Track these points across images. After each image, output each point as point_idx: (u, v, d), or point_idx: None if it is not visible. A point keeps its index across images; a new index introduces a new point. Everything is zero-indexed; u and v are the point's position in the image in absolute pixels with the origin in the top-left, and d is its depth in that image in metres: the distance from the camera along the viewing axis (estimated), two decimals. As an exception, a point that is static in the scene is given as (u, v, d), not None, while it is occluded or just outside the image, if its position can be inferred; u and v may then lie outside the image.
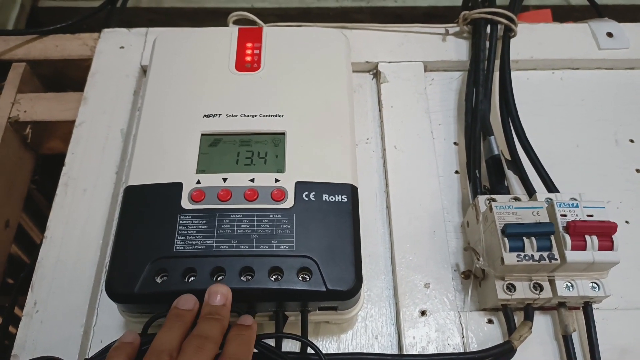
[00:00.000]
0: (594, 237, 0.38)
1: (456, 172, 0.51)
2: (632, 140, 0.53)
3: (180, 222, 0.38)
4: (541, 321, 0.42)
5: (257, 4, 0.76)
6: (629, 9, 0.75)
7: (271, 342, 0.38)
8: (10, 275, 0.75)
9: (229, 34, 0.49)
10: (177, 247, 0.37)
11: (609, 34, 0.58)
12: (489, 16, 0.55)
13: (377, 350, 0.42)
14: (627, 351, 0.41)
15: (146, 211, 0.39)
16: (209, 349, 0.32)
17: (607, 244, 0.38)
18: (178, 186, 0.40)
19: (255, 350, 0.37)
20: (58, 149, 0.62)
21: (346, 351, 0.42)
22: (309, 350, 0.37)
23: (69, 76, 0.62)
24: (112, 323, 0.42)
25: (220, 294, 0.35)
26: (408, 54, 0.57)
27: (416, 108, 0.53)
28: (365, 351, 0.42)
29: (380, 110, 0.54)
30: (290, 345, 0.41)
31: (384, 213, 0.48)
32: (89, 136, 0.51)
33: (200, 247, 0.37)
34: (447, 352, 0.40)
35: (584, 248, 0.38)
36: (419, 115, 0.53)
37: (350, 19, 0.76)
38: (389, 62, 0.56)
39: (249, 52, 0.47)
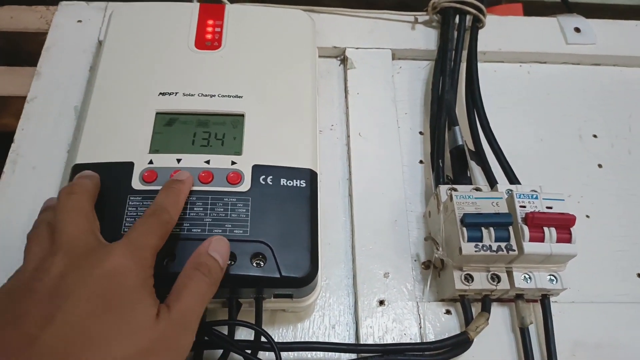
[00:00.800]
0: (552, 229, 0.38)
1: (420, 162, 0.50)
2: (595, 136, 0.53)
3: (130, 203, 0.37)
4: (499, 313, 0.42)
5: (225, -15, 0.74)
6: (599, 7, 0.76)
7: (224, 329, 0.36)
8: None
9: (190, 9, 0.47)
10: (125, 229, 0.35)
11: (577, 29, 0.58)
12: (458, 5, 0.54)
13: (334, 339, 0.41)
14: (580, 344, 0.41)
15: (94, 190, 0.37)
16: (80, 192, 0.34)
17: (565, 237, 0.38)
18: (129, 166, 0.38)
19: (206, 338, 0.36)
20: (12, 126, 0.59)
21: (302, 340, 0.41)
22: (263, 338, 0.36)
23: (25, 50, 0.59)
24: (56, 307, 0.40)
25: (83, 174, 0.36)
26: (376, 41, 0.55)
27: (383, 96, 0.52)
28: (321, 340, 0.41)
29: (346, 97, 0.52)
30: (244, 333, 0.40)
31: (346, 201, 0.47)
32: (41, 112, 0.48)
33: (150, 229, 0.36)
34: (403, 342, 0.40)
35: (542, 240, 0.38)
36: (385, 103, 0.52)
37: (321, 3, 0.75)
38: (357, 48, 0.55)
39: (209, 29, 0.45)
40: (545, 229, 0.38)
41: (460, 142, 0.47)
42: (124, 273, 0.29)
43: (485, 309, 0.40)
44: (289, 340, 0.41)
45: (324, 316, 0.42)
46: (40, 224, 0.33)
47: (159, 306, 0.30)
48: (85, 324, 0.27)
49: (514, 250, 0.37)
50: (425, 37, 0.56)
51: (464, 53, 0.54)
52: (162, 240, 0.32)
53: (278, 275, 0.35)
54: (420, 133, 0.52)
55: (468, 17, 0.55)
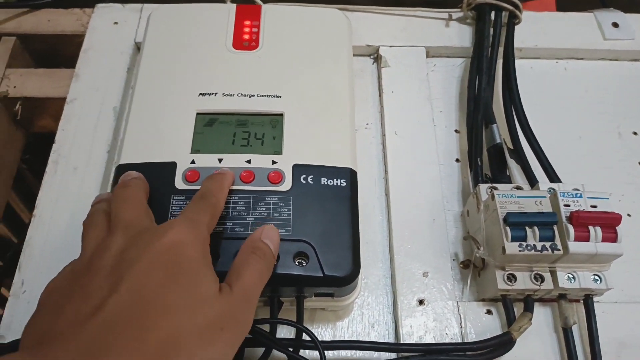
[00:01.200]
0: (598, 228, 0.37)
1: (457, 160, 0.50)
2: (635, 133, 0.52)
3: (174, 202, 0.37)
4: (541, 313, 0.41)
5: (256, -15, 0.74)
6: (634, 2, 0.74)
7: (265, 327, 0.37)
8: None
9: (227, 10, 0.47)
10: (170, 228, 0.36)
11: (615, 24, 0.57)
12: (494, 2, 0.54)
13: (373, 338, 0.41)
14: (626, 345, 0.41)
15: (138, 191, 0.38)
16: (135, 184, 0.35)
17: (610, 236, 0.37)
18: (172, 166, 0.39)
19: (249, 336, 0.36)
20: (50, 127, 0.60)
21: (342, 339, 0.41)
22: (305, 336, 0.36)
23: (62, 52, 0.60)
24: (100, 305, 0.41)
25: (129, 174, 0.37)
26: (410, 39, 0.55)
27: (417, 94, 0.52)
28: (361, 339, 0.41)
29: (380, 95, 0.52)
30: (284, 332, 0.40)
31: (383, 200, 0.47)
32: (81, 113, 0.49)
33: (193, 228, 0.36)
34: (445, 342, 0.39)
35: (587, 239, 0.37)
36: (420, 101, 0.51)
37: (351, 1, 0.75)
38: (391, 47, 0.54)
39: (247, 30, 0.46)
40: (591, 228, 0.37)
41: (499, 140, 0.46)
42: (185, 246, 0.29)
43: (528, 309, 0.40)
44: (328, 339, 0.41)
45: (362, 315, 0.42)
46: (95, 212, 0.34)
47: (220, 284, 0.30)
48: (149, 293, 0.27)
49: (559, 250, 0.37)
50: (459, 34, 0.56)
51: (500, 50, 0.53)
52: (214, 220, 0.34)
53: (321, 275, 0.35)
54: (456, 131, 0.51)
55: (504, 13, 0.55)
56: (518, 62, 0.53)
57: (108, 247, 0.29)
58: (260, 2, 0.54)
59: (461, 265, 0.44)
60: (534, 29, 0.56)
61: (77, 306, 0.27)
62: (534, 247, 0.37)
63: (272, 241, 0.34)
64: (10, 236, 0.80)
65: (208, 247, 0.31)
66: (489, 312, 0.41)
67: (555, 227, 0.37)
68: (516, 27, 0.55)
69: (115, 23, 0.55)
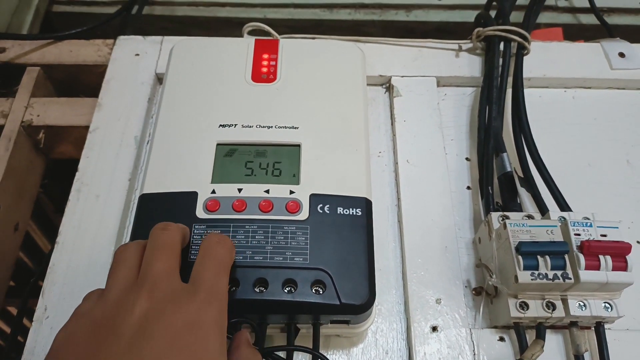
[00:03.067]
0: (608, 257, 0.38)
1: (468, 187, 0.51)
2: (643, 161, 0.53)
3: (195, 231, 0.38)
4: (552, 340, 0.42)
5: (270, 15, 0.76)
6: (639, 29, 0.76)
7: (282, 354, 0.38)
8: (14, 280, 0.74)
9: (246, 44, 0.49)
10: (192, 257, 0.37)
11: (621, 54, 0.58)
12: (503, 33, 0.55)
13: (387, 365, 0.42)
14: (638, 373, 0.41)
15: (160, 219, 0.39)
16: (174, 229, 0.34)
17: (621, 265, 0.38)
18: (193, 195, 0.40)
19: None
20: (69, 153, 0.62)
21: (356, 365, 0.41)
22: (321, 363, 0.37)
23: (82, 82, 0.63)
24: (122, 331, 0.42)
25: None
26: (421, 69, 0.57)
27: (429, 123, 0.53)
28: (375, 366, 0.41)
29: (392, 124, 0.54)
30: (300, 358, 0.41)
31: (396, 227, 0.48)
32: (103, 142, 0.51)
33: (214, 257, 0.37)
34: (458, 369, 0.40)
35: (597, 268, 0.38)
36: (431, 130, 0.53)
37: (361, 32, 0.77)
38: (402, 77, 0.56)
39: (265, 63, 0.47)
40: (601, 257, 0.38)
41: (509, 169, 0.47)
42: (206, 328, 0.30)
43: (540, 336, 0.40)
44: (343, 365, 0.41)
45: (376, 342, 0.43)
46: (130, 245, 0.34)
47: None
48: None
49: (570, 279, 0.38)
50: (469, 64, 0.58)
51: (509, 80, 0.55)
52: (228, 275, 0.34)
53: (338, 303, 0.36)
54: (467, 159, 0.53)
55: (513, 44, 0.56)
56: (527, 92, 0.54)
57: (132, 309, 0.30)
58: (277, 35, 0.56)
59: (473, 292, 0.45)
60: (542, 58, 0.58)
61: None
62: (546, 275, 0.38)
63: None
64: (24, 259, 0.82)
65: (226, 324, 0.32)
66: (501, 339, 0.42)
67: (566, 256, 0.38)
68: (525, 57, 0.56)
69: (137, 55, 0.57)
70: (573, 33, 0.73)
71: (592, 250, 0.38)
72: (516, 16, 0.61)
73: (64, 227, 0.46)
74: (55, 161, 0.65)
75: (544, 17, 0.75)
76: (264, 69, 0.47)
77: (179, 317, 0.30)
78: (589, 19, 0.75)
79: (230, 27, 0.76)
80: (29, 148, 0.58)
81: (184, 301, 0.30)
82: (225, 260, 0.34)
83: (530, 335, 0.41)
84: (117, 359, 0.28)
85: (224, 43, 0.49)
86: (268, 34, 0.57)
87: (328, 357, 0.41)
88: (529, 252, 0.38)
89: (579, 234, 0.39)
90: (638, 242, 0.48)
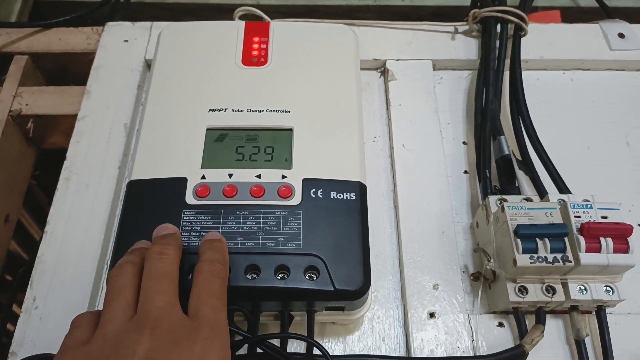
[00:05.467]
0: (609, 240, 0.37)
1: (465, 172, 0.50)
2: (643, 143, 0.52)
3: (185, 217, 0.37)
4: (553, 325, 0.41)
5: (263, 1, 0.75)
6: (638, 11, 0.75)
7: (276, 342, 0.37)
8: (9, 272, 0.74)
9: (236, 27, 0.48)
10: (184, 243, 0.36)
11: (621, 35, 0.57)
12: (500, 14, 0.54)
13: (384, 352, 0.41)
14: (639, 357, 0.40)
15: (149, 206, 0.38)
16: (171, 254, 0.33)
17: (622, 247, 0.37)
18: (182, 181, 0.39)
19: (259, 351, 0.36)
20: (60, 144, 0.61)
21: (352, 353, 0.41)
22: (315, 351, 0.36)
23: (72, 70, 0.61)
24: (112, 321, 0.41)
25: (166, 229, 0.35)
26: (417, 52, 0.56)
27: (425, 107, 0.52)
28: (372, 353, 0.41)
29: (388, 108, 0.53)
30: (295, 346, 0.40)
31: (392, 213, 0.47)
32: (92, 130, 0.50)
33: (204, 243, 0.36)
34: (457, 355, 0.39)
35: (598, 250, 0.37)
36: (427, 114, 0.52)
37: (356, 17, 0.75)
38: (397, 60, 0.55)
39: (255, 46, 0.46)
40: (602, 239, 0.37)
41: (507, 152, 0.46)
42: None
43: (540, 321, 0.39)
44: (338, 353, 0.41)
45: (373, 329, 0.42)
46: (125, 267, 0.32)
47: None
48: None
49: (570, 262, 0.37)
50: (465, 47, 0.56)
51: (507, 62, 0.54)
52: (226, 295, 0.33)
53: (332, 289, 0.35)
54: (464, 143, 0.52)
55: (510, 26, 0.55)
56: (524, 74, 0.53)
57: (134, 350, 0.28)
58: (269, 19, 0.55)
59: (471, 278, 0.44)
60: (540, 40, 0.57)
61: None
62: (545, 259, 0.37)
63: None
64: (19, 251, 0.81)
65: (229, 357, 0.31)
66: (500, 324, 0.41)
67: (566, 239, 0.37)
68: (522, 38, 0.55)
69: (126, 41, 0.56)
70: (571, 15, 0.71)
71: (593, 232, 0.37)
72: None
73: (53, 217, 0.45)
74: (47, 152, 0.64)
75: (541, 0, 0.74)
76: (255, 52, 0.46)
77: (184, 359, 0.29)
78: (588, 2, 0.74)
79: (222, 14, 0.75)
80: (18, 138, 0.57)
81: (187, 341, 0.29)
82: (222, 292, 0.33)
83: (529, 321, 0.40)
84: None
85: (213, 27, 0.48)
86: (260, 18, 0.56)
87: (324, 344, 0.41)
88: (528, 234, 0.37)
89: (578, 216, 0.38)
90: (639, 224, 0.47)
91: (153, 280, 0.31)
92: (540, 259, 0.37)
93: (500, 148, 0.47)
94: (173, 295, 0.31)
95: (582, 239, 0.37)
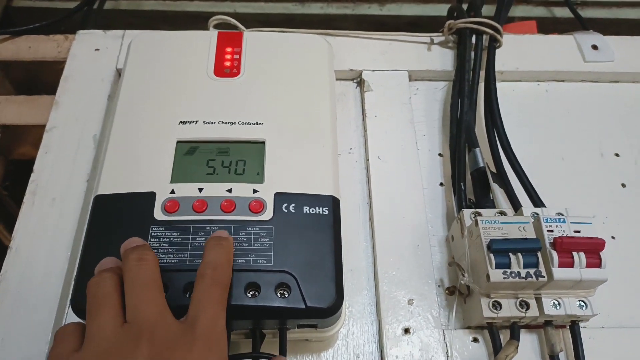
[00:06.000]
0: (582, 254, 0.37)
1: (441, 184, 0.50)
2: (617, 154, 0.52)
3: (153, 234, 0.36)
4: (527, 339, 0.41)
5: (240, 9, 0.74)
6: (613, 22, 0.76)
7: (247, 361, 0.36)
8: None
9: (208, 37, 0.47)
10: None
11: (594, 47, 0.58)
12: (475, 26, 0.54)
13: (358, 369, 0.40)
14: (614, 371, 0.40)
15: (116, 222, 0.37)
16: (151, 260, 0.32)
17: (594, 261, 0.37)
18: (151, 196, 0.38)
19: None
20: (30, 154, 0.60)
21: (326, 370, 0.40)
22: (287, 370, 0.35)
23: (42, 79, 0.60)
24: (78, 340, 0.40)
25: (135, 241, 0.34)
26: (393, 63, 0.55)
27: (400, 118, 0.52)
28: (345, 370, 0.40)
29: (364, 119, 0.52)
30: (267, 365, 0.39)
31: (367, 226, 0.47)
32: (60, 142, 0.49)
33: (173, 260, 0.35)
34: (430, 372, 0.39)
35: (571, 265, 0.37)
36: (403, 125, 0.51)
37: (334, 26, 0.74)
38: (373, 71, 0.55)
39: (228, 57, 0.46)
40: (575, 254, 0.37)
41: (482, 164, 0.46)
42: None
43: (514, 336, 0.39)
44: (313, 370, 0.40)
45: (347, 345, 0.41)
46: (104, 280, 0.31)
47: None
48: None
49: (544, 277, 0.37)
50: (441, 58, 0.56)
51: (482, 73, 0.53)
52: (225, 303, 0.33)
53: (303, 306, 0.35)
54: (440, 155, 0.51)
55: (485, 37, 0.55)
56: (500, 85, 0.53)
57: None
58: (244, 28, 0.54)
59: (447, 292, 0.43)
60: (515, 51, 0.57)
61: None
62: (519, 274, 0.37)
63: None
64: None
65: None
66: (475, 340, 0.41)
67: (539, 254, 0.37)
68: (497, 50, 0.55)
69: (97, 50, 0.55)
70: (547, 26, 0.72)
71: (565, 247, 0.37)
72: (491, 10, 0.60)
73: (18, 232, 0.44)
74: (17, 162, 0.63)
75: (517, 11, 0.74)
76: (227, 63, 0.45)
77: None
78: (563, 12, 0.74)
79: (198, 22, 0.74)
80: (-15, 149, 0.55)
81: (185, 349, 0.29)
82: (222, 299, 0.32)
83: (504, 335, 0.40)
84: None
85: (185, 36, 0.47)
86: (235, 27, 0.55)
87: (297, 362, 0.40)
88: (501, 249, 0.37)
89: (551, 230, 0.38)
90: (613, 237, 0.48)
91: (138, 288, 0.31)
92: (513, 274, 0.37)
93: (475, 160, 0.47)
94: (162, 302, 0.31)
95: (555, 254, 0.37)
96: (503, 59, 0.56)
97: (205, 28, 0.56)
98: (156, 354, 0.28)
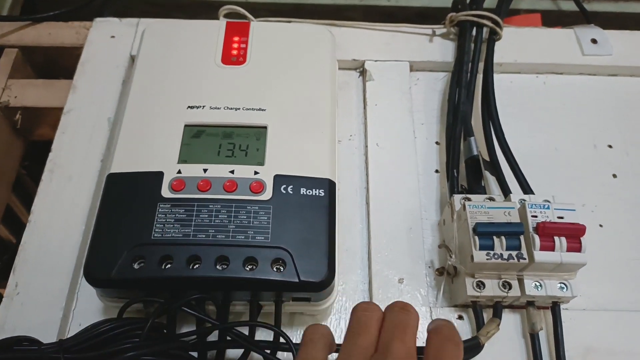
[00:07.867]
0: (563, 239, 0.39)
1: (436, 171, 0.52)
2: (610, 146, 0.54)
3: (160, 210, 0.39)
4: (510, 319, 0.43)
5: (250, -1, 0.76)
6: (618, 16, 0.76)
7: (245, 330, 0.39)
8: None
9: (217, 27, 0.50)
10: (155, 235, 0.38)
11: (594, 41, 0.59)
12: (475, 19, 0.56)
13: (349, 342, 0.43)
14: (592, 350, 0.42)
15: (127, 198, 0.40)
16: (413, 312, 0.33)
17: (575, 246, 0.39)
18: (159, 175, 0.41)
19: (228, 338, 0.38)
20: (48, 135, 0.63)
21: (319, 342, 0.42)
22: (281, 339, 0.38)
23: (61, 64, 0.63)
24: (91, 307, 0.43)
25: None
26: (395, 53, 0.57)
27: (400, 107, 0.54)
28: (338, 342, 0.42)
29: (364, 107, 0.54)
30: (264, 334, 0.42)
31: (364, 209, 0.49)
32: (77, 124, 0.52)
33: (177, 235, 0.38)
34: (418, 345, 0.41)
35: (552, 249, 0.39)
36: (402, 114, 0.53)
37: (342, 16, 0.77)
38: (376, 61, 0.57)
39: (235, 45, 0.48)
40: (556, 238, 0.39)
41: (475, 153, 0.48)
42: None
43: (497, 315, 0.41)
44: (307, 342, 0.42)
45: (340, 319, 0.44)
46: (374, 309, 0.33)
47: None
48: None
49: (525, 259, 0.39)
50: (442, 50, 0.58)
51: (481, 65, 0.55)
52: None
53: (297, 280, 0.37)
54: (437, 143, 0.53)
55: (485, 30, 0.57)
56: (498, 77, 0.55)
57: None
58: (252, 18, 0.56)
59: (436, 272, 0.46)
60: (514, 44, 0.58)
61: None
62: (501, 255, 0.39)
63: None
64: (10, 237, 0.83)
65: None
66: (460, 317, 0.43)
67: (522, 237, 0.39)
68: (497, 42, 0.57)
69: (112, 37, 0.57)
70: (553, 19, 0.73)
71: (547, 232, 0.39)
72: (494, 3, 0.61)
73: (36, 206, 0.47)
74: (35, 143, 0.66)
75: (523, 3, 0.75)
76: (234, 52, 0.48)
77: None
78: (569, 5, 0.75)
79: (212, 11, 0.75)
80: (6, 129, 0.59)
81: None
82: None
83: (488, 314, 0.42)
84: None
85: (195, 25, 0.50)
86: (244, 16, 0.57)
87: (293, 333, 0.43)
88: (485, 232, 0.39)
89: (535, 216, 0.40)
90: (601, 225, 0.49)
91: (398, 328, 0.32)
92: (496, 256, 0.39)
93: (470, 148, 0.49)
94: (413, 347, 0.32)
95: (537, 238, 0.39)
96: (502, 51, 0.57)
97: (217, 16, 0.59)
98: None
